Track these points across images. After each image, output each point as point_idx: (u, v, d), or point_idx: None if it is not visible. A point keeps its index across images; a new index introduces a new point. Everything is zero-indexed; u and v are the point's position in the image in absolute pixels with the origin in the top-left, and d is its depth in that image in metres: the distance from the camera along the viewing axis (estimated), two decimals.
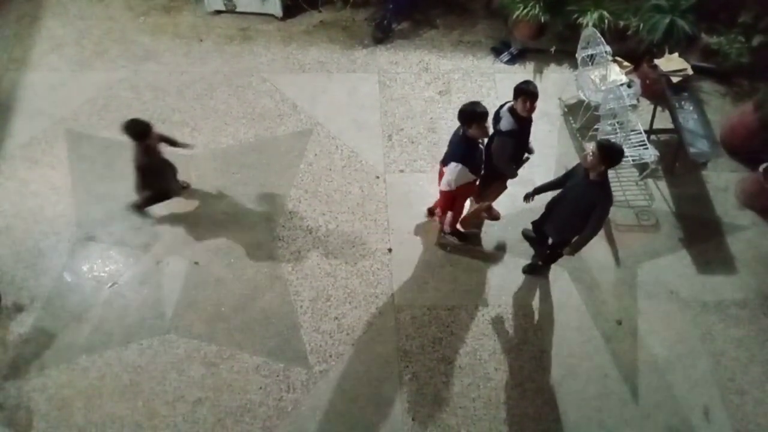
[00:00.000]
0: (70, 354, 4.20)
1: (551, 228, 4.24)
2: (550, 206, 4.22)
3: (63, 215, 4.78)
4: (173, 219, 4.83)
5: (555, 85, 5.91)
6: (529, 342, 4.46)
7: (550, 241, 4.41)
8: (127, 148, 5.10)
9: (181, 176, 4.91)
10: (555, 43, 6.03)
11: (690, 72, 5.35)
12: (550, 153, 5.44)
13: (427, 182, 5.18)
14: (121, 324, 4.34)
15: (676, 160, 5.36)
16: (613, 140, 4.00)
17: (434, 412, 4.15)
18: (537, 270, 4.75)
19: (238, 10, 6.10)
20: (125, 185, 4.95)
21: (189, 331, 4.35)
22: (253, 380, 4.19)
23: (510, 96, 4.02)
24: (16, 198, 4.83)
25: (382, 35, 6.10)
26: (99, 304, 4.41)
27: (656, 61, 5.48)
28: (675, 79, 5.32)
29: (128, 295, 4.46)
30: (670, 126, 5.36)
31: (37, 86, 5.47)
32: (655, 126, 5.45)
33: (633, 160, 5.05)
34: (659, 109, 5.51)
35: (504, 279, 4.73)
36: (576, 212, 3.85)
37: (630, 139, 5.09)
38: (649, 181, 5.33)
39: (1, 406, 3.98)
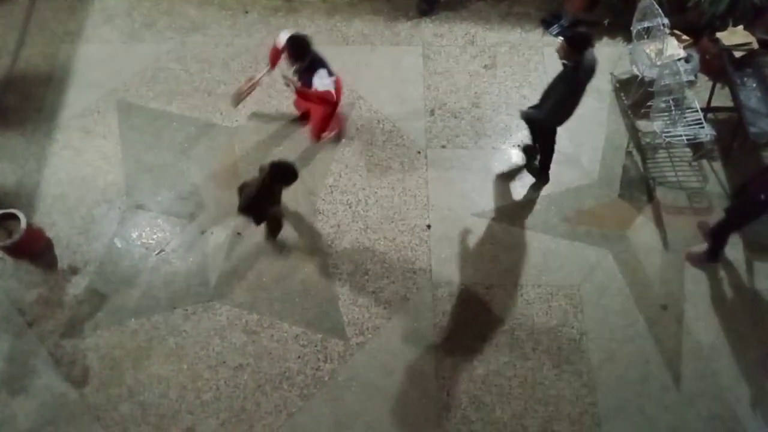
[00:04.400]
0: (121, 316, 4.41)
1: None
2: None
3: (114, 184, 4.96)
4: (217, 190, 4.94)
5: (607, 59, 5.65)
6: (568, 324, 4.40)
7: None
8: (174, 119, 5.27)
9: (225, 149, 5.02)
10: (608, 15, 5.76)
11: (755, 46, 5.01)
12: (598, 131, 5.25)
13: (470, 158, 5.11)
14: (167, 290, 4.51)
15: (734, 140, 5.08)
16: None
17: (469, 388, 4.17)
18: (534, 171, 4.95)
19: None
20: (172, 155, 5.10)
21: (231, 299, 4.48)
22: (292, 349, 4.30)
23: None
24: (71, 166, 5.04)
25: (427, 7, 5.96)
26: (147, 270, 4.59)
27: (718, 35, 5.16)
28: (738, 54, 5.00)
29: (174, 263, 4.62)
30: (730, 104, 5.07)
31: (90, 58, 5.63)
32: (714, 104, 5.17)
33: (687, 140, 4.82)
34: (719, 86, 5.21)
35: (545, 259, 4.65)
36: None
37: (685, 117, 4.85)
38: (704, 161, 5.09)
39: (59, 362, 4.24)
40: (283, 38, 4.39)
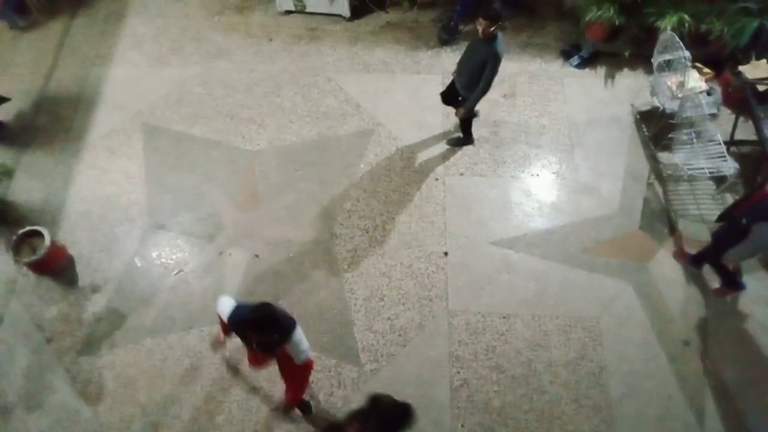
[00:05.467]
0: (137, 335, 4.43)
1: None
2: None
3: (136, 203, 5.04)
4: (237, 212, 5.00)
5: (628, 90, 5.67)
6: (587, 357, 4.31)
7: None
8: (197, 142, 5.38)
9: (246, 172, 5.08)
10: (629, 46, 5.78)
11: None
12: (619, 161, 5.22)
13: (488, 186, 5.11)
14: (184, 310, 4.53)
15: (757, 174, 5.01)
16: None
17: (484, 420, 4.08)
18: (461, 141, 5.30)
19: (307, 10, 6.23)
20: (193, 177, 5.19)
21: None
22: None
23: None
24: (96, 185, 5.15)
25: (447, 37, 6.05)
26: (165, 289, 4.63)
27: (740, 68, 5.15)
28: (761, 88, 4.98)
29: (192, 283, 4.66)
30: (754, 137, 5.02)
31: (119, 81, 5.80)
32: (737, 137, 5.12)
33: (710, 173, 4.77)
34: (741, 119, 5.17)
35: (563, 289, 4.58)
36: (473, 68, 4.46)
37: (708, 150, 4.81)
38: (727, 195, 5.02)
39: (75, 379, 4.26)
40: (224, 311, 3.36)
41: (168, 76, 5.83)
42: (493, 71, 4.44)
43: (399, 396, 4.12)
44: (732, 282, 4.48)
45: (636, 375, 4.23)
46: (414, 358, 4.31)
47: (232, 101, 5.65)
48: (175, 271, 4.71)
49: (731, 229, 4.06)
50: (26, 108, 5.59)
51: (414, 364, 4.29)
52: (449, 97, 5.08)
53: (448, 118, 5.51)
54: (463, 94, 4.81)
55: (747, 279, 4.58)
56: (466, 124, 5.19)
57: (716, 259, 4.34)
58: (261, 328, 3.08)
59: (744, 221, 3.86)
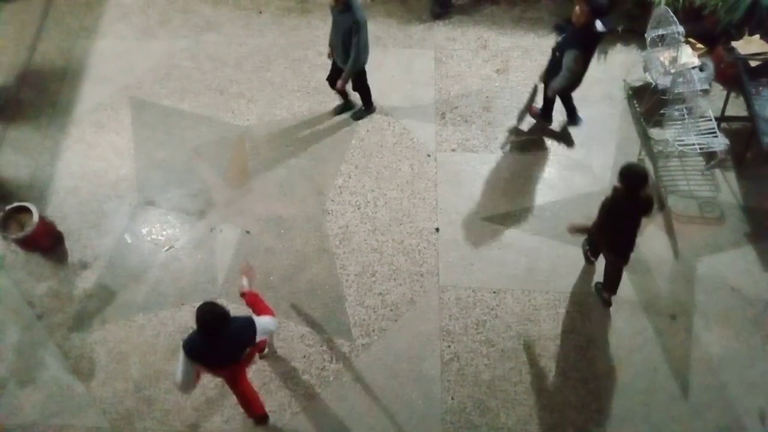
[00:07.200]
0: (129, 311, 4.43)
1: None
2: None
3: (125, 179, 4.99)
4: (227, 188, 4.96)
5: (621, 66, 5.63)
6: (575, 330, 4.37)
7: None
8: (186, 116, 5.30)
9: (236, 147, 5.03)
10: (623, 21, 5.73)
11: None
12: (610, 138, 5.22)
13: (479, 162, 5.10)
14: (175, 286, 4.53)
15: (747, 150, 5.04)
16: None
17: (474, 393, 4.15)
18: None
19: None
20: (183, 152, 5.13)
21: (239, 297, 4.48)
22: (297, 348, 4.30)
23: None
24: (83, 160, 5.08)
25: (440, 10, 5.96)
26: (156, 265, 4.61)
27: (734, 44, 5.13)
28: (753, 63, 4.97)
29: (183, 259, 4.65)
30: (744, 113, 5.04)
31: (105, 53, 5.68)
32: (728, 113, 5.13)
33: (700, 148, 4.78)
34: (733, 95, 5.18)
35: (554, 265, 4.62)
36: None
37: (698, 126, 4.82)
38: (717, 171, 5.05)
39: (67, 355, 4.27)
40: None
41: (156, 50, 5.72)
42: (359, 38, 4.47)
43: (390, 370, 4.22)
44: (546, 112, 5.18)
45: (623, 348, 4.31)
46: (405, 333, 4.36)
47: (222, 75, 5.56)
48: (166, 248, 4.69)
49: (555, 65, 4.65)
50: (10, 81, 5.47)
51: (405, 338, 4.34)
52: (334, 79, 4.95)
53: (440, 93, 5.47)
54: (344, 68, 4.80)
55: (735, 253, 4.64)
56: (363, 92, 5.14)
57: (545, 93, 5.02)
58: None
59: (557, 54, 4.56)
